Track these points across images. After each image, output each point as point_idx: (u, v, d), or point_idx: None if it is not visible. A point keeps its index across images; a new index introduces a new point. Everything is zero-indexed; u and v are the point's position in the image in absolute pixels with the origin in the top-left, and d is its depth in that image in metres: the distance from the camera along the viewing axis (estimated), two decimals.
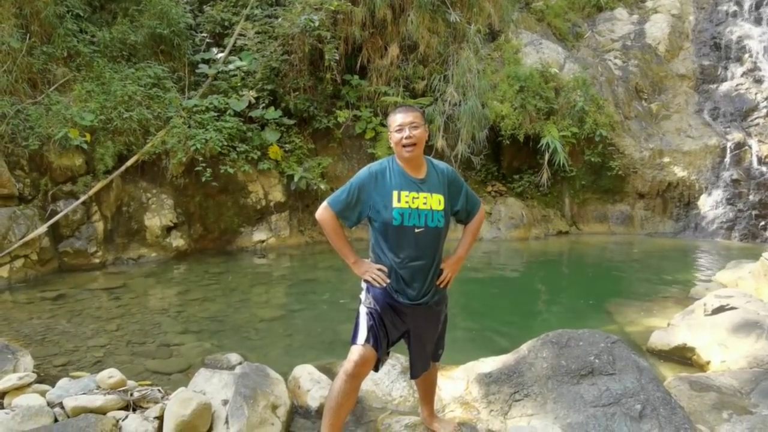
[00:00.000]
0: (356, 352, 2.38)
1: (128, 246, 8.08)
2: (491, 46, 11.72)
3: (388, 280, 2.39)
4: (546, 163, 10.46)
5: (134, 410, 2.94)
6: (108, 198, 7.93)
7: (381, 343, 2.41)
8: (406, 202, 2.41)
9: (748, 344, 3.83)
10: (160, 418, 2.80)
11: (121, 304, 5.90)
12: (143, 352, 4.47)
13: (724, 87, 12.39)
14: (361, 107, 10.19)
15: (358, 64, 10.19)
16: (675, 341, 4.28)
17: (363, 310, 2.45)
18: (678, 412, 2.64)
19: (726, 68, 12.64)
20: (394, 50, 9.94)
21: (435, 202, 2.46)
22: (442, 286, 2.54)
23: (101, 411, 2.83)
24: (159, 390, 3.17)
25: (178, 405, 2.71)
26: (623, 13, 13.92)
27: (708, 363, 3.99)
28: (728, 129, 11.61)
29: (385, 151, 9.83)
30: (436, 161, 2.61)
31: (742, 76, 12.36)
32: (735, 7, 13.25)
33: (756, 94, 11.92)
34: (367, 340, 2.38)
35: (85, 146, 7.51)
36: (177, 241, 8.41)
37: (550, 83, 11.10)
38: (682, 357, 4.23)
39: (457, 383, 3.15)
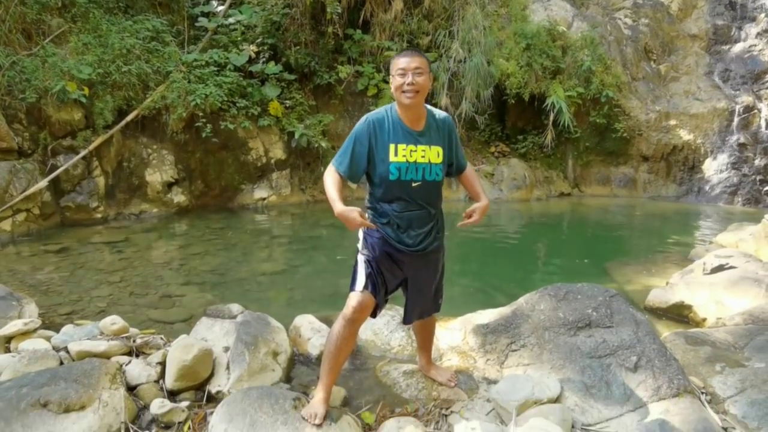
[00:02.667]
0: (354, 298, 2.38)
1: (130, 201, 8.09)
2: (498, 2, 11.38)
3: (358, 221, 2.21)
4: (551, 123, 10.33)
5: (137, 356, 2.99)
6: (108, 153, 7.88)
7: (379, 290, 2.42)
8: (404, 155, 2.35)
9: (745, 302, 3.86)
10: (163, 364, 2.85)
11: (123, 257, 5.95)
12: (146, 302, 4.52)
13: (737, 48, 12.08)
14: (364, 63, 9.99)
15: (361, 18, 9.93)
16: (673, 299, 4.31)
17: (361, 258, 2.44)
18: (672, 364, 2.67)
19: (740, 28, 12.30)
20: (398, 4, 9.66)
21: (434, 154, 2.41)
22: (459, 225, 2.50)
23: (105, 356, 2.87)
24: (161, 337, 3.22)
25: (180, 350, 2.75)
26: None
27: (704, 320, 4.03)
28: (738, 92, 11.39)
29: None
30: (435, 110, 2.53)
31: (756, 36, 12.04)
32: None
33: None
34: (365, 287, 2.37)
35: (83, 100, 7.41)
36: (178, 197, 8.41)
37: (558, 41, 10.84)
38: (679, 314, 4.27)
39: (454, 333, 3.19)
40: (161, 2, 9.12)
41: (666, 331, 3.81)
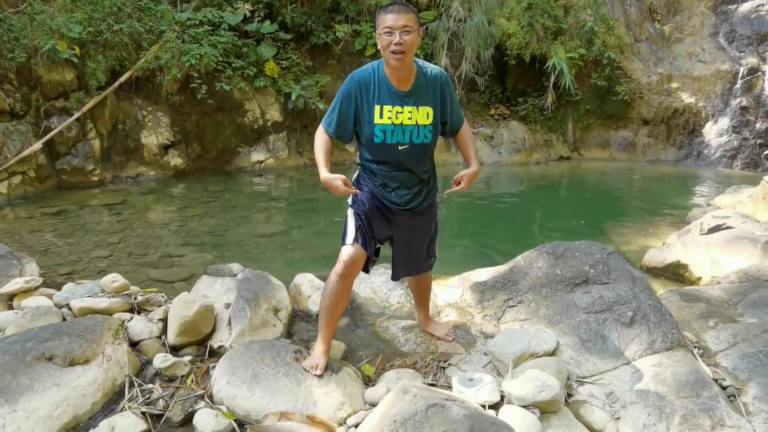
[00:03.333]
0: (346, 252, 2.38)
1: (126, 164, 8.03)
2: None
3: (342, 189, 2.21)
4: (551, 85, 10.19)
5: (138, 313, 3.03)
6: (103, 115, 7.77)
7: (369, 243, 2.41)
8: (389, 117, 2.27)
9: (740, 261, 3.90)
10: (164, 320, 2.88)
11: (121, 219, 5.95)
12: (146, 262, 4.55)
13: (744, 8, 11.78)
14: (362, 22, 9.76)
15: None
16: (669, 258, 4.36)
17: (350, 212, 2.44)
18: (667, 319, 2.72)
19: None
20: None
21: (422, 116, 2.31)
22: (447, 192, 2.43)
23: (107, 312, 2.91)
24: (162, 295, 3.25)
25: (182, 306, 2.78)
26: None
27: (699, 279, 4.08)
28: (743, 53, 11.19)
29: None
30: (429, 66, 2.38)
31: None
32: None
33: None
34: (355, 240, 2.38)
35: (75, 60, 7.26)
36: (175, 159, 8.35)
37: (560, 1, 10.57)
38: (675, 273, 4.32)
39: (452, 291, 3.23)
40: None
41: (662, 290, 3.86)
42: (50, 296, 3.14)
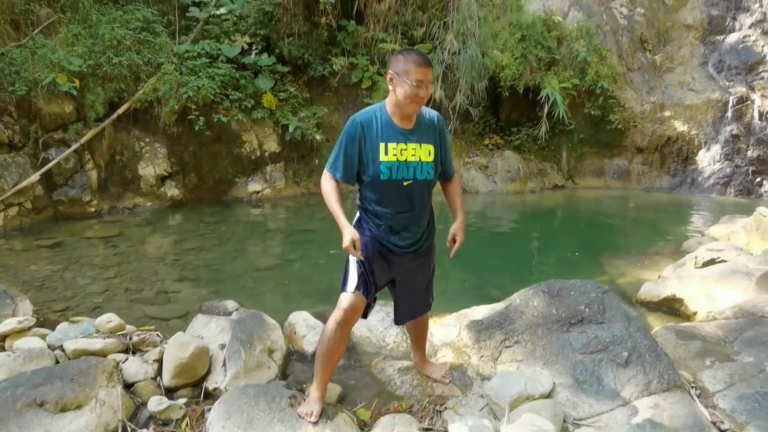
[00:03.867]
0: (346, 299, 2.36)
1: (123, 195, 8.05)
2: None
3: (362, 258, 2.31)
4: (545, 115, 10.32)
5: (134, 353, 3.01)
6: (100, 146, 7.83)
7: (370, 290, 2.41)
8: (394, 154, 2.32)
9: (735, 295, 3.91)
10: (160, 361, 2.86)
11: (118, 252, 5.94)
12: (141, 298, 4.53)
13: (731, 38, 12.06)
14: (358, 55, 9.93)
15: (355, 9, 9.85)
16: (664, 292, 4.36)
17: (352, 257, 2.39)
18: (663, 359, 2.71)
19: (735, 18, 12.28)
20: None
21: (425, 153, 2.38)
22: (452, 256, 2.53)
23: (102, 354, 2.89)
24: (158, 334, 3.23)
25: (177, 348, 2.77)
26: None
27: (695, 314, 4.08)
28: (732, 82, 11.41)
29: (382, 100, 9.64)
30: (425, 108, 2.46)
31: (750, 27, 12.02)
32: None
33: (763, 46, 11.63)
34: (357, 288, 2.35)
35: (74, 92, 7.34)
36: (172, 190, 8.38)
37: (553, 32, 10.80)
38: (671, 308, 4.32)
39: (449, 329, 3.22)
40: None
41: (658, 325, 3.86)
42: (43, 337, 3.11)
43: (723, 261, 4.45)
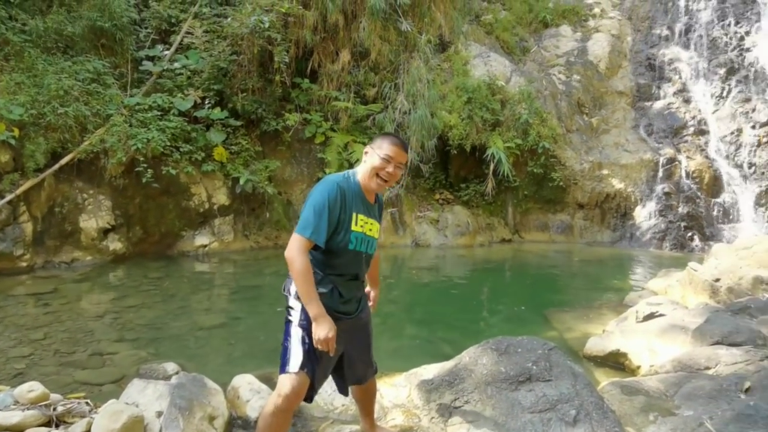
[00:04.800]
0: (288, 382, 2.14)
1: (60, 249, 7.64)
2: (441, 57, 11.94)
3: (332, 354, 2.20)
4: (491, 173, 10.75)
5: (57, 426, 2.76)
6: (38, 198, 7.47)
7: (317, 371, 2.23)
8: (361, 226, 2.34)
9: (674, 348, 4.06)
10: None
11: (49, 310, 5.56)
12: (72, 362, 4.21)
13: (658, 105, 13.14)
14: (312, 111, 10.12)
15: (309, 68, 10.12)
16: (609, 347, 4.47)
17: (296, 332, 2.21)
18: (609, 416, 2.75)
19: (659, 87, 13.43)
20: (345, 56, 9.94)
21: (376, 229, 2.46)
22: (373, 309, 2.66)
23: (19, 428, 2.64)
24: (87, 403, 2.99)
25: (108, 418, 2.57)
26: (567, 30, 14.54)
27: (639, 367, 4.19)
28: (661, 144, 12.32)
29: (335, 156, 9.79)
30: None
31: (673, 95, 13.17)
32: (667, 32, 14.12)
33: (685, 113, 12.72)
34: (302, 367, 2.16)
35: (12, 142, 7.05)
36: (114, 244, 8.04)
37: (497, 95, 11.42)
38: (616, 362, 4.42)
39: (399, 390, 3.16)
40: (104, 44, 8.94)
41: (604, 379, 3.93)
42: None
43: (661, 315, 4.64)
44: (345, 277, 2.37)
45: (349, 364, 2.51)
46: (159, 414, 2.77)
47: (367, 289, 2.65)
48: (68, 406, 2.86)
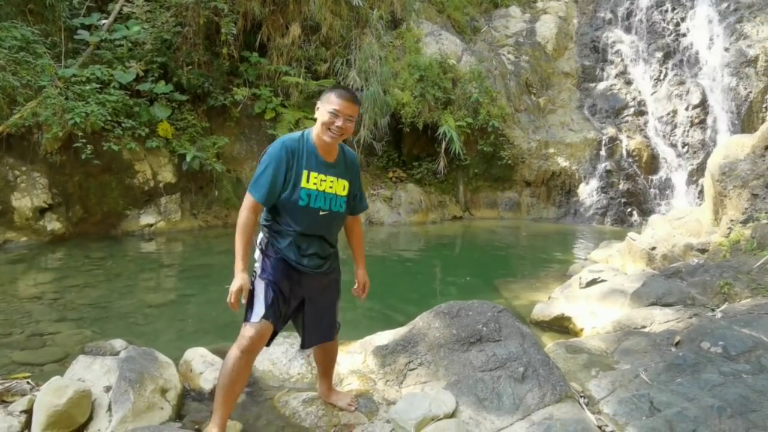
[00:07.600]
0: (252, 327, 2.30)
1: None
2: (393, 34, 11.88)
3: (234, 300, 2.30)
4: (443, 151, 10.88)
5: None
6: None
7: (279, 316, 2.37)
8: (314, 183, 2.39)
9: (614, 311, 4.30)
10: (29, 412, 2.54)
11: None
12: (9, 343, 4.00)
13: (601, 86, 13.63)
14: (261, 86, 9.87)
15: (258, 42, 9.85)
16: (554, 312, 4.68)
17: (260, 283, 2.36)
18: (555, 372, 2.89)
19: (603, 69, 13.91)
20: (295, 30, 9.72)
21: (340, 187, 2.48)
22: (363, 299, 2.71)
23: None
24: (28, 382, 2.87)
25: (51, 394, 2.47)
26: (517, 11, 14.77)
27: (582, 330, 4.41)
28: (604, 124, 12.82)
29: (286, 132, 9.59)
30: (346, 147, 2.61)
31: (615, 77, 13.68)
32: (610, 15, 14.59)
33: (626, 94, 13.25)
34: (265, 316, 2.31)
35: None
36: (52, 224, 7.63)
37: (448, 74, 11.51)
38: (561, 326, 4.64)
39: (354, 357, 3.20)
40: (32, 9, 8.35)
41: (550, 342, 4.11)
42: None
43: (603, 281, 4.89)
44: (307, 235, 2.42)
45: (309, 318, 2.55)
46: (107, 389, 2.70)
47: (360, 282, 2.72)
48: (6, 385, 2.73)
